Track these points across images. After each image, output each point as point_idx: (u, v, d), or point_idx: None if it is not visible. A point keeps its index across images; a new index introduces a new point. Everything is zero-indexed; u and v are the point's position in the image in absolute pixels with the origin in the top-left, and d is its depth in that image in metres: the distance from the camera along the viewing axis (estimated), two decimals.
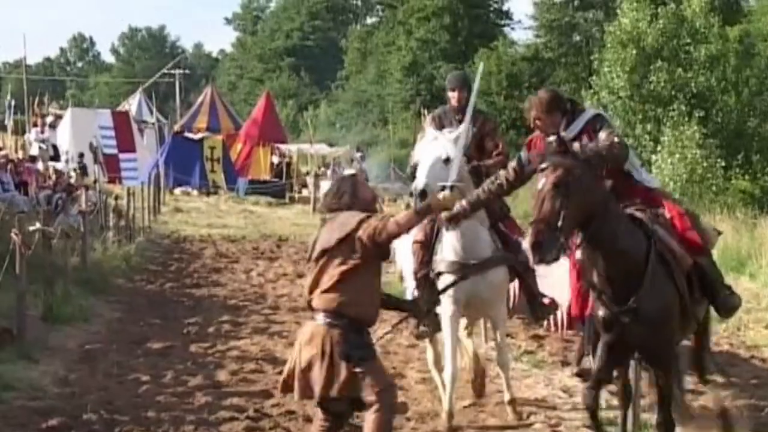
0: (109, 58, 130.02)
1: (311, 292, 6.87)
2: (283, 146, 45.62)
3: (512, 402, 9.43)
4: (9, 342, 11.36)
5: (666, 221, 7.54)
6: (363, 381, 6.70)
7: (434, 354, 9.69)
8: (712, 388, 10.69)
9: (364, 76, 79.84)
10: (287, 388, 6.99)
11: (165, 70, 65.17)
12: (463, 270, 8.80)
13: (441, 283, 8.89)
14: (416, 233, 9.04)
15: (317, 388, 6.72)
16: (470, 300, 9.01)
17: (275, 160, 44.11)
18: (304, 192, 40.93)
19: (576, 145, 7.34)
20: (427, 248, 9.12)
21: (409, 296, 9.22)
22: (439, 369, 9.56)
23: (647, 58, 39.58)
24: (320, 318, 6.77)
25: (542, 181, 6.96)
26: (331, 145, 52.43)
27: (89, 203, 20.71)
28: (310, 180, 40.29)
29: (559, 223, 6.74)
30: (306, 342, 6.78)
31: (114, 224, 22.18)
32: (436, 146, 8.83)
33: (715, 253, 8.78)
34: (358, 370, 6.70)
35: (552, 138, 7.17)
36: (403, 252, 9.68)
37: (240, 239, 26.45)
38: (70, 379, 10.69)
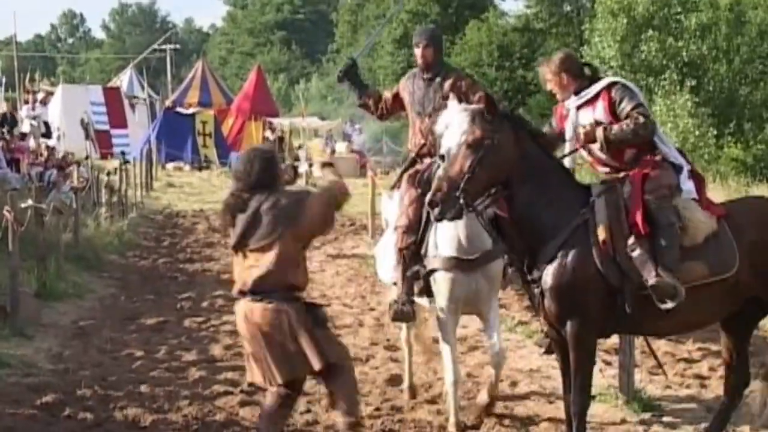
0: (99, 34, 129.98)
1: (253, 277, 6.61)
2: (274, 120, 45.53)
3: (490, 403, 8.46)
4: (2, 319, 11.35)
5: (622, 196, 6.96)
6: (332, 344, 6.75)
7: (407, 332, 9.29)
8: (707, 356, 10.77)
9: (355, 49, 79.56)
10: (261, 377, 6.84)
11: (156, 46, 64.89)
12: (462, 266, 8.01)
13: (436, 281, 8.14)
14: (399, 218, 8.38)
15: (301, 366, 6.60)
16: (468, 296, 8.18)
17: (269, 135, 43.98)
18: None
19: (599, 131, 7.03)
20: (414, 236, 8.20)
21: (391, 295, 8.75)
22: (410, 348, 9.28)
23: (638, 28, 39.54)
24: (266, 297, 6.58)
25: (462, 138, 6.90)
26: (322, 118, 52.35)
27: (81, 179, 20.68)
28: (302, 154, 40.18)
29: (461, 185, 6.61)
30: (266, 327, 6.60)
31: (106, 200, 22.18)
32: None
33: None
34: (328, 333, 6.78)
35: (481, 97, 7.01)
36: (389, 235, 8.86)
37: None
38: (64, 356, 10.68)
